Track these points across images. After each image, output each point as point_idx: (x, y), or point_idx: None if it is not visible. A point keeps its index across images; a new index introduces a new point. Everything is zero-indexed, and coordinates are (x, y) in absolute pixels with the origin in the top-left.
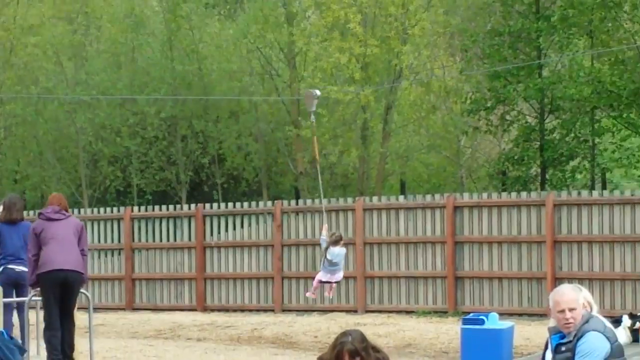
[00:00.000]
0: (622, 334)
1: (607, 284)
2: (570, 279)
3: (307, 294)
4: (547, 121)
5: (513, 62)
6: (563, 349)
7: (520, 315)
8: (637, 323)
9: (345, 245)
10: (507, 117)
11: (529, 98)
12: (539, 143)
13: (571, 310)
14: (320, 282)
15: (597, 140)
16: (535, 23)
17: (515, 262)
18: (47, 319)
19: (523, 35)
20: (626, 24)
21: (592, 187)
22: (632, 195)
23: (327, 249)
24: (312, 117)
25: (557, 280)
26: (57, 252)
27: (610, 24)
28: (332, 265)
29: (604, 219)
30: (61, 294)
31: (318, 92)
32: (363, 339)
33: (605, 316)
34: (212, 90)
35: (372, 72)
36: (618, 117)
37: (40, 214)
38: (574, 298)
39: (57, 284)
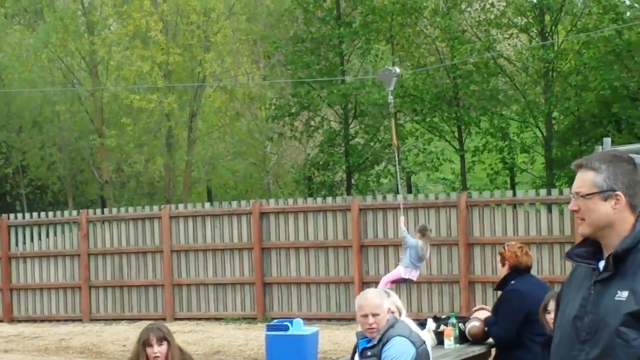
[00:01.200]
0: (427, 337)
1: (414, 286)
2: (377, 283)
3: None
4: (351, 126)
5: (316, 68)
6: (369, 353)
7: (329, 320)
8: (442, 326)
9: (152, 253)
10: (312, 123)
11: (333, 104)
12: (343, 148)
13: (374, 315)
14: (400, 280)
15: (400, 144)
16: (337, 29)
17: (323, 267)
18: None
19: (325, 41)
20: (426, 29)
21: (397, 191)
22: (436, 198)
23: (413, 245)
24: (390, 97)
25: (365, 285)
26: None
27: (410, 30)
28: (419, 261)
29: (409, 222)
30: None
31: (397, 70)
32: (169, 330)
33: (412, 319)
34: (13, 100)
35: (176, 79)
36: (421, 121)
37: None
38: (378, 303)
39: None
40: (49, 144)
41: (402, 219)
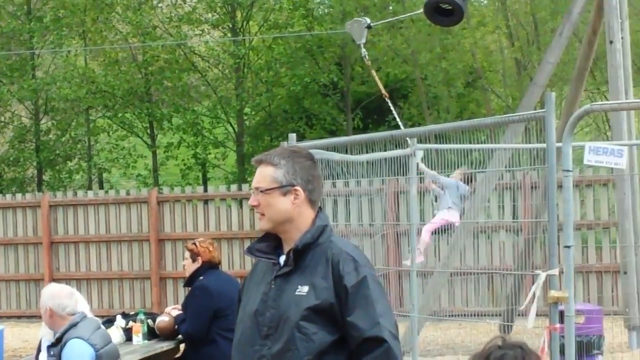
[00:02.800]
0: (116, 334)
1: (106, 283)
2: (68, 280)
3: (420, 259)
4: (42, 122)
5: (6, 63)
6: (52, 352)
7: (19, 317)
8: (130, 322)
9: None
10: (2, 119)
11: (23, 99)
12: (34, 144)
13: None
14: (445, 223)
15: (93, 140)
16: (27, 24)
17: (13, 264)
18: None
19: (16, 36)
20: (119, 24)
21: (90, 187)
22: (128, 194)
23: (451, 184)
24: (364, 50)
25: (56, 281)
26: None
27: (103, 26)
28: (462, 201)
29: (100, 219)
30: None
31: (368, 20)
32: None
33: (103, 316)
34: None
35: None
36: (113, 116)
37: None
38: (41, 299)
39: None
40: None
41: (422, 166)
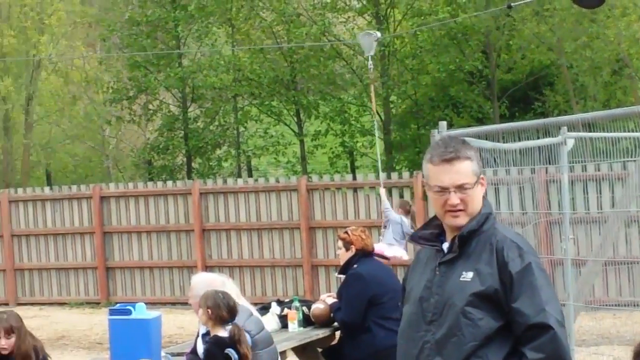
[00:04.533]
0: (272, 321)
1: (258, 270)
2: (220, 267)
3: None
4: (190, 110)
5: (152, 51)
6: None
7: (173, 304)
8: (285, 309)
9: None
10: (150, 107)
11: (171, 87)
12: (183, 132)
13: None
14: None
15: (241, 128)
16: (172, 12)
17: (165, 251)
18: None
19: (161, 24)
20: (263, 13)
21: (239, 175)
22: (277, 182)
23: (396, 220)
24: (371, 62)
25: (208, 269)
26: None
27: (247, 13)
28: (403, 237)
29: (250, 207)
30: None
31: (378, 34)
32: (18, 319)
33: (256, 303)
34: None
35: (10, 62)
36: (260, 104)
37: None
38: (191, 288)
39: None
40: None
41: (383, 191)
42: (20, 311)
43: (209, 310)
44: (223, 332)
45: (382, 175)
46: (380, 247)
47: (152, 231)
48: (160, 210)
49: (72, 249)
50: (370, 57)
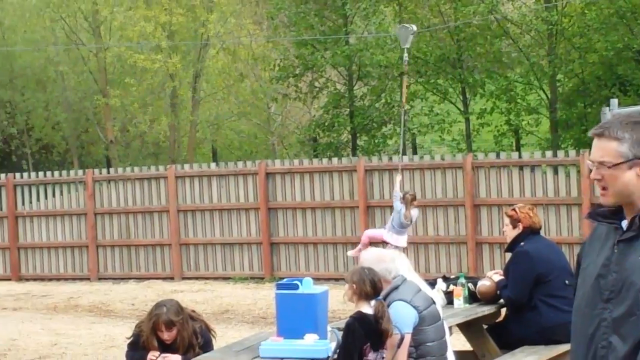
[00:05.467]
0: (438, 297)
1: (422, 247)
2: (385, 243)
3: (350, 253)
4: (356, 88)
5: (319, 30)
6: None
7: (337, 280)
8: (451, 285)
9: (159, 213)
10: (316, 84)
11: (337, 65)
12: (348, 110)
13: None
14: (383, 242)
15: (406, 106)
16: None
17: (330, 228)
18: None
19: (329, 2)
20: None
21: (404, 153)
22: (442, 160)
23: (397, 209)
24: (406, 55)
25: (372, 245)
26: None
27: None
28: (401, 227)
29: (415, 183)
30: None
31: (414, 27)
32: (178, 309)
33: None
34: (16, 60)
35: (179, 40)
36: (426, 83)
37: None
38: (361, 263)
39: None
40: (53, 103)
41: (398, 178)
42: (185, 285)
43: (354, 286)
44: (367, 308)
45: (404, 158)
46: (379, 232)
47: (317, 207)
48: (325, 187)
49: (237, 225)
50: (405, 50)
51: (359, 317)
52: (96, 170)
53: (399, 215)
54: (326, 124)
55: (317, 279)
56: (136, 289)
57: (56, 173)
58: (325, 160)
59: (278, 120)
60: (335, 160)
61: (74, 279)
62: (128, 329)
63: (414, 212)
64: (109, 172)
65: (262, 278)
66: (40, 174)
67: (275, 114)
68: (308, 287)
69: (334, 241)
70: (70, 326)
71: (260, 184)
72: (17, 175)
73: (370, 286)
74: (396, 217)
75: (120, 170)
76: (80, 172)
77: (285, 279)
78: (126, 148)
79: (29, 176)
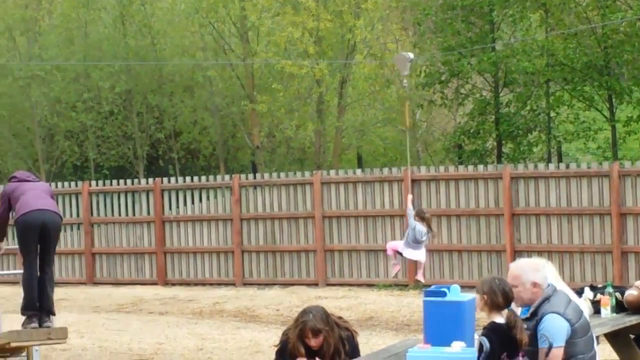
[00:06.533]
0: (584, 306)
1: (567, 256)
2: (529, 252)
3: (393, 272)
4: (501, 94)
5: (466, 36)
6: (525, 326)
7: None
8: (598, 294)
9: (304, 219)
10: (462, 91)
11: (483, 71)
12: (494, 116)
13: (513, 286)
14: (398, 253)
15: (552, 113)
16: None
17: (474, 235)
18: (27, 264)
19: (476, 9)
20: None
21: (549, 160)
22: (588, 168)
23: (411, 226)
24: (405, 81)
25: (517, 253)
26: (35, 197)
27: None
28: (416, 242)
29: (560, 192)
30: (40, 239)
31: (411, 55)
32: (324, 316)
33: None
34: (165, 65)
35: (326, 46)
36: (572, 90)
37: (11, 177)
38: (516, 274)
39: (37, 227)
40: (201, 108)
41: (409, 197)
42: (330, 292)
43: (485, 296)
44: (499, 318)
45: (550, 166)
46: (396, 244)
47: (462, 215)
48: (470, 194)
49: (381, 231)
50: (404, 76)
51: (492, 328)
52: (242, 176)
53: (414, 232)
54: (471, 130)
55: (462, 287)
56: (281, 294)
57: (203, 178)
58: (470, 168)
59: (423, 126)
60: (480, 167)
61: (219, 284)
62: (273, 335)
63: (425, 228)
64: (255, 178)
65: (406, 285)
66: (187, 178)
67: (421, 120)
68: (456, 294)
69: (478, 249)
70: (216, 331)
71: (405, 191)
72: (165, 180)
73: (502, 297)
74: (411, 233)
75: (266, 175)
76: (226, 177)
77: (432, 286)
78: (272, 153)
79: (176, 181)
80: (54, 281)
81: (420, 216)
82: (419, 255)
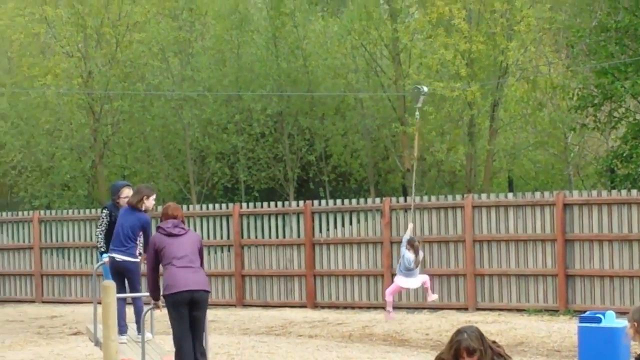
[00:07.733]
0: None
1: None
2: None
3: (388, 317)
4: None
5: (620, 58)
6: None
7: None
8: None
9: (455, 242)
10: (615, 114)
11: (638, 95)
12: None
13: None
14: (399, 290)
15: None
16: None
17: (627, 261)
18: (178, 343)
19: (630, 31)
20: None
21: (412, 194)
22: None
23: (402, 254)
24: (417, 113)
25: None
26: (184, 272)
27: None
28: (407, 270)
29: None
30: (190, 315)
31: (425, 89)
32: (479, 335)
33: None
34: (317, 87)
35: (478, 68)
36: None
37: (159, 227)
38: None
39: (185, 305)
40: (352, 131)
41: (410, 226)
42: (479, 316)
43: (636, 324)
44: None
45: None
46: (392, 288)
47: (614, 240)
48: (623, 218)
49: (532, 256)
50: (417, 109)
51: None
52: (393, 199)
53: (403, 260)
54: (624, 154)
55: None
56: (430, 318)
57: (354, 201)
58: (623, 192)
59: (575, 150)
60: (634, 192)
61: (368, 307)
62: (423, 359)
63: (413, 256)
64: (405, 201)
65: (557, 310)
66: (338, 201)
67: (573, 144)
68: (611, 321)
69: (631, 274)
70: (365, 355)
71: (557, 215)
72: (315, 202)
73: None
74: (402, 262)
75: (417, 199)
76: (377, 200)
77: (582, 313)
78: (422, 176)
79: (327, 203)
80: (206, 353)
81: (411, 244)
82: (414, 283)
